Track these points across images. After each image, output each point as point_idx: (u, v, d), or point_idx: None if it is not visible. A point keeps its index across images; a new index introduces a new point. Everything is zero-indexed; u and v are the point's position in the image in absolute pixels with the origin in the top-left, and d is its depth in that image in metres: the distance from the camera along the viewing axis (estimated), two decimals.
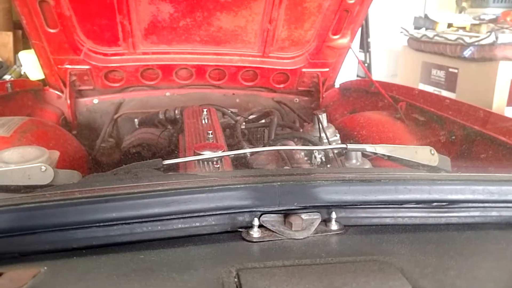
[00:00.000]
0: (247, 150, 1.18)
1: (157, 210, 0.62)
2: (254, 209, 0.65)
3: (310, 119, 1.98)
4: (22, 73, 3.55)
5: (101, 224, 0.62)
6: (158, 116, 1.82)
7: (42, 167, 0.78)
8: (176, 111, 1.77)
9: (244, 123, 1.66)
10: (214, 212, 0.65)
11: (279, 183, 0.67)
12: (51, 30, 1.84)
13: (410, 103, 1.75)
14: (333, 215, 0.67)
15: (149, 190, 0.65)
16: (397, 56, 4.80)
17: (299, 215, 0.65)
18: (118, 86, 2.12)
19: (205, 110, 1.53)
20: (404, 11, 4.89)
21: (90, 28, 1.89)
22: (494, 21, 4.04)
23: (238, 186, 0.66)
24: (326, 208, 0.67)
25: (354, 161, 1.40)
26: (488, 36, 3.30)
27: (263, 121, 1.79)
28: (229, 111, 1.76)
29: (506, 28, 3.43)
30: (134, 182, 0.74)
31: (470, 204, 0.71)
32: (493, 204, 0.72)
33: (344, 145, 0.96)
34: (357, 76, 4.51)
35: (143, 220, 0.63)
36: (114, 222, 0.61)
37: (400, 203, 0.70)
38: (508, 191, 0.71)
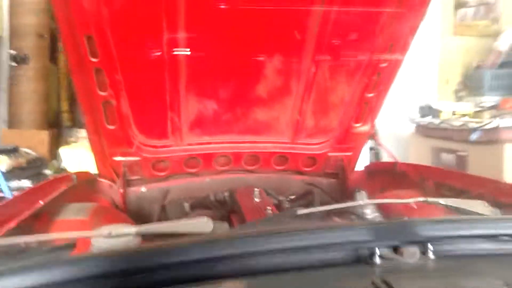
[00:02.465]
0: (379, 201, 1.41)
1: (308, 242, 0.87)
2: (373, 244, 0.87)
3: (339, 198, 2.16)
4: (61, 167, 3.82)
5: (270, 253, 0.85)
6: (209, 199, 2.00)
7: (204, 219, 1.01)
8: (225, 194, 1.97)
9: (287, 203, 1.84)
10: (343, 246, 0.88)
11: (389, 224, 0.94)
12: (110, 127, 2.08)
13: (437, 182, 1.94)
14: (430, 247, 0.88)
15: (300, 228, 0.92)
16: (404, 142, 5.07)
17: (406, 247, 0.87)
18: (164, 175, 2.34)
19: (256, 189, 1.73)
20: (406, 101, 5.27)
21: (143, 123, 2.15)
22: (494, 107, 4.36)
23: (360, 225, 0.93)
24: (423, 242, 0.89)
25: None
26: (491, 122, 3.58)
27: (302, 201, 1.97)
28: (272, 192, 1.95)
29: (507, 114, 3.72)
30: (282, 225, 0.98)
31: None
32: None
33: (423, 198, 1.19)
34: (370, 161, 4.75)
35: (297, 251, 0.86)
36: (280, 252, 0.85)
37: (476, 237, 0.93)
38: None
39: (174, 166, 2.32)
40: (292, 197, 1.96)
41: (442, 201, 1.24)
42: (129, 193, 2.32)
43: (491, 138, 3.57)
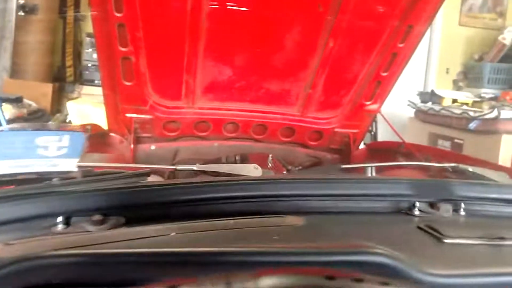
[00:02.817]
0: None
1: (354, 191, 0.98)
2: (411, 199, 0.98)
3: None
4: (67, 121, 3.85)
5: (323, 197, 0.95)
6: (220, 162, 2.06)
7: (255, 166, 1.13)
8: (237, 157, 2.03)
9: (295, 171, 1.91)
10: (387, 198, 0.99)
11: (428, 181, 1.05)
12: (126, 83, 2.11)
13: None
14: (462, 205, 1.00)
15: (348, 178, 1.06)
16: (402, 126, 5.15)
17: (441, 203, 0.98)
18: (173, 135, 2.39)
19: (270, 156, 1.79)
20: (405, 86, 5.33)
21: (159, 83, 2.19)
22: (494, 99, 4.44)
23: (404, 180, 1.04)
24: (456, 201, 1.00)
25: None
26: (492, 112, 3.65)
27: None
28: (283, 161, 2.01)
29: (507, 105, 3.79)
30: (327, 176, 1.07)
31: None
32: None
33: (455, 164, 1.30)
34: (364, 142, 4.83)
35: (345, 198, 0.96)
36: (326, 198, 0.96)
37: (502, 200, 1.05)
38: None
39: (184, 128, 2.36)
40: (299, 167, 2.02)
41: (470, 168, 1.42)
42: (139, 149, 2.37)
43: (489, 128, 3.66)
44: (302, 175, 1.13)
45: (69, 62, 5.16)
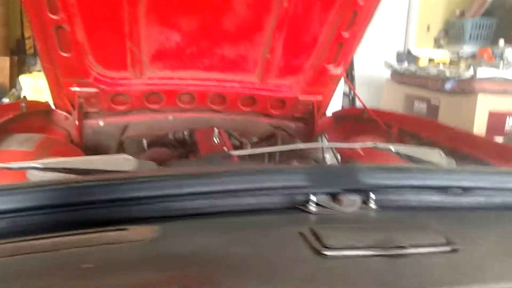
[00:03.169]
0: (285, 147, 1.30)
1: (234, 186, 0.78)
2: (309, 190, 0.80)
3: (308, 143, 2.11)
4: (22, 96, 3.63)
5: (194, 196, 0.76)
6: (168, 138, 1.91)
7: (126, 156, 0.91)
8: (185, 133, 1.88)
9: (249, 145, 1.77)
10: (278, 191, 0.80)
11: (327, 169, 0.82)
12: (64, 54, 1.93)
13: (402, 129, 1.89)
14: (372, 196, 0.82)
15: (228, 170, 0.82)
16: (379, 89, 5.02)
17: (345, 195, 0.81)
18: (123, 109, 2.22)
19: (216, 130, 1.64)
20: (384, 46, 5.16)
21: (101, 53, 2.00)
22: (471, 57, 4.30)
23: (296, 170, 0.83)
24: (365, 191, 0.82)
25: None
26: (467, 71, 3.52)
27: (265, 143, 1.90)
28: (234, 133, 1.87)
29: (484, 64, 3.66)
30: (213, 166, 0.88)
31: (478, 191, 0.87)
32: (496, 191, 0.89)
33: (373, 143, 1.12)
34: (342, 106, 4.70)
35: (224, 194, 0.77)
36: (207, 195, 0.77)
37: (424, 188, 0.86)
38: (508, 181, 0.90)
39: (134, 100, 2.19)
40: (255, 139, 1.88)
41: (393, 147, 1.14)
42: (86, 126, 2.21)
43: (465, 89, 3.53)
44: (170, 170, 0.91)
45: (28, 33, 4.86)
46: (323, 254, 0.61)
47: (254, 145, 1.86)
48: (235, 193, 0.78)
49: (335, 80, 2.29)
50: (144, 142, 2.08)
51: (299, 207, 0.79)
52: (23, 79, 3.56)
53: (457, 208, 0.86)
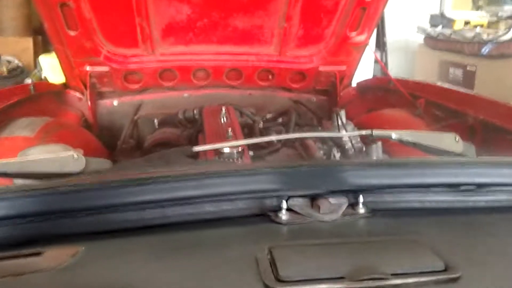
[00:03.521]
0: (273, 138, 1.19)
1: (189, 193, 0.64)
2: (282, 193, 0.66)
3: (328, 118, 1.98)
4: (43, 77, 3.62)
5: (135, 207, 0.63)
6: (178, 117, 1.84)
7: (74, 155, 0.81)
8: (195, 111, 1.79)
9: (262, 123, 1.67)
10: (243, 196, 0.66)
11: (306, 167, 0.68)
12: (72, 33, 1.87)
13: (429, 100, 1.74)
14: (361, 199, 0.68)
15: (180, 173, 0.68)
16: (413, 55, 4.76)
17: (326, 198, 0.66)
18: (137, 87, 2.15)
19: (223, 108, 1.55)
20: (419, 10, 4.86)
21: (110, 30, 1.92)
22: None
23: (266, 170, 0.68)
24: (353, 192, 0.68)
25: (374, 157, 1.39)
26: (507, 33, 3.26)
27: (280, 120, 1.79)
28: (247, 111, 1.77)
29: None
30: (166, 166, 0.75)
31: (497, 188, 0.70)
32: None
33: (369, 131, 0.97)
34: (374, 76, 4.49)
35: (175, 203, 0.64)
36: (147, 205, 0.63)
37: (427, 187, 0.70)
38: None
39: (147, 78, 2.12)
40: (269, 116, 1.76)
41: (394, 134, 0.94)
42: (100, 106, 2.16)
43: (504, 52, 3.27)
44: (102, 175, 0.77)
45: None
46: None
47: (267, 121, 1.75)
48: (186, 200, 0.64)
49: (360, 48, 2.13)
50: (155, 121, 2.01)
51: (269, 215, 0.66)
52: (42, 59, 3.54)
53: (469, 210, 0.70)
